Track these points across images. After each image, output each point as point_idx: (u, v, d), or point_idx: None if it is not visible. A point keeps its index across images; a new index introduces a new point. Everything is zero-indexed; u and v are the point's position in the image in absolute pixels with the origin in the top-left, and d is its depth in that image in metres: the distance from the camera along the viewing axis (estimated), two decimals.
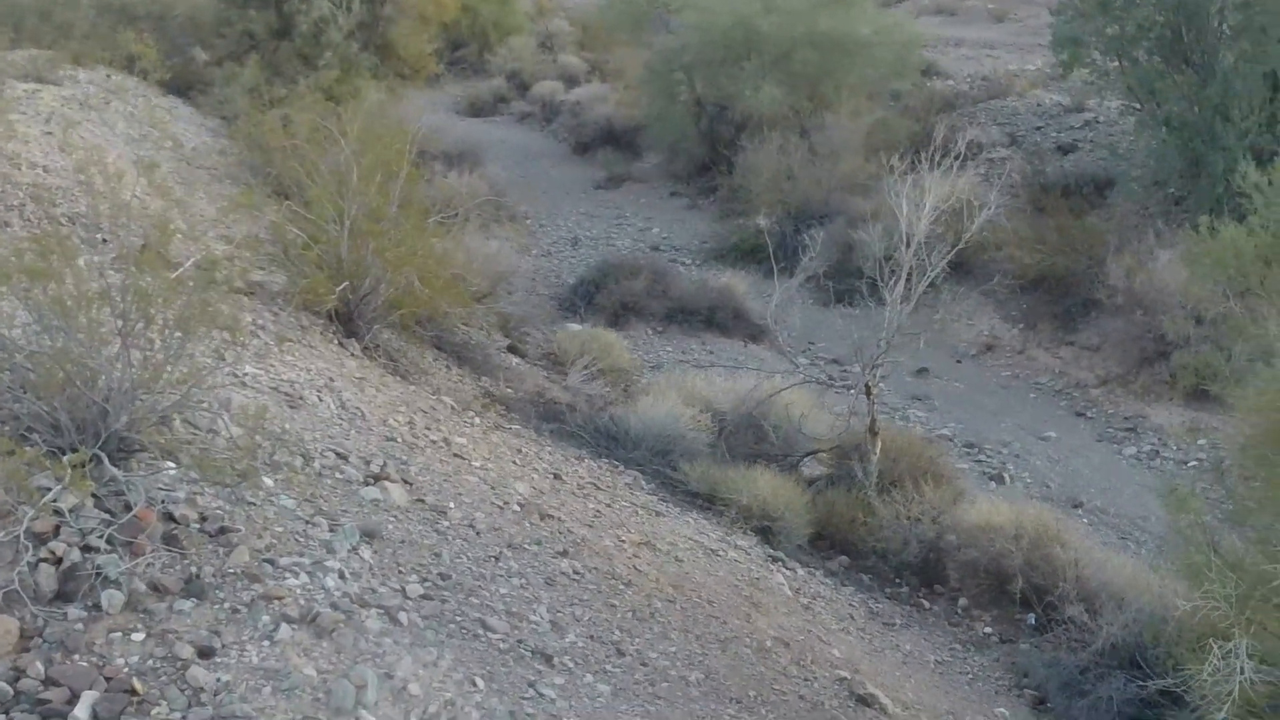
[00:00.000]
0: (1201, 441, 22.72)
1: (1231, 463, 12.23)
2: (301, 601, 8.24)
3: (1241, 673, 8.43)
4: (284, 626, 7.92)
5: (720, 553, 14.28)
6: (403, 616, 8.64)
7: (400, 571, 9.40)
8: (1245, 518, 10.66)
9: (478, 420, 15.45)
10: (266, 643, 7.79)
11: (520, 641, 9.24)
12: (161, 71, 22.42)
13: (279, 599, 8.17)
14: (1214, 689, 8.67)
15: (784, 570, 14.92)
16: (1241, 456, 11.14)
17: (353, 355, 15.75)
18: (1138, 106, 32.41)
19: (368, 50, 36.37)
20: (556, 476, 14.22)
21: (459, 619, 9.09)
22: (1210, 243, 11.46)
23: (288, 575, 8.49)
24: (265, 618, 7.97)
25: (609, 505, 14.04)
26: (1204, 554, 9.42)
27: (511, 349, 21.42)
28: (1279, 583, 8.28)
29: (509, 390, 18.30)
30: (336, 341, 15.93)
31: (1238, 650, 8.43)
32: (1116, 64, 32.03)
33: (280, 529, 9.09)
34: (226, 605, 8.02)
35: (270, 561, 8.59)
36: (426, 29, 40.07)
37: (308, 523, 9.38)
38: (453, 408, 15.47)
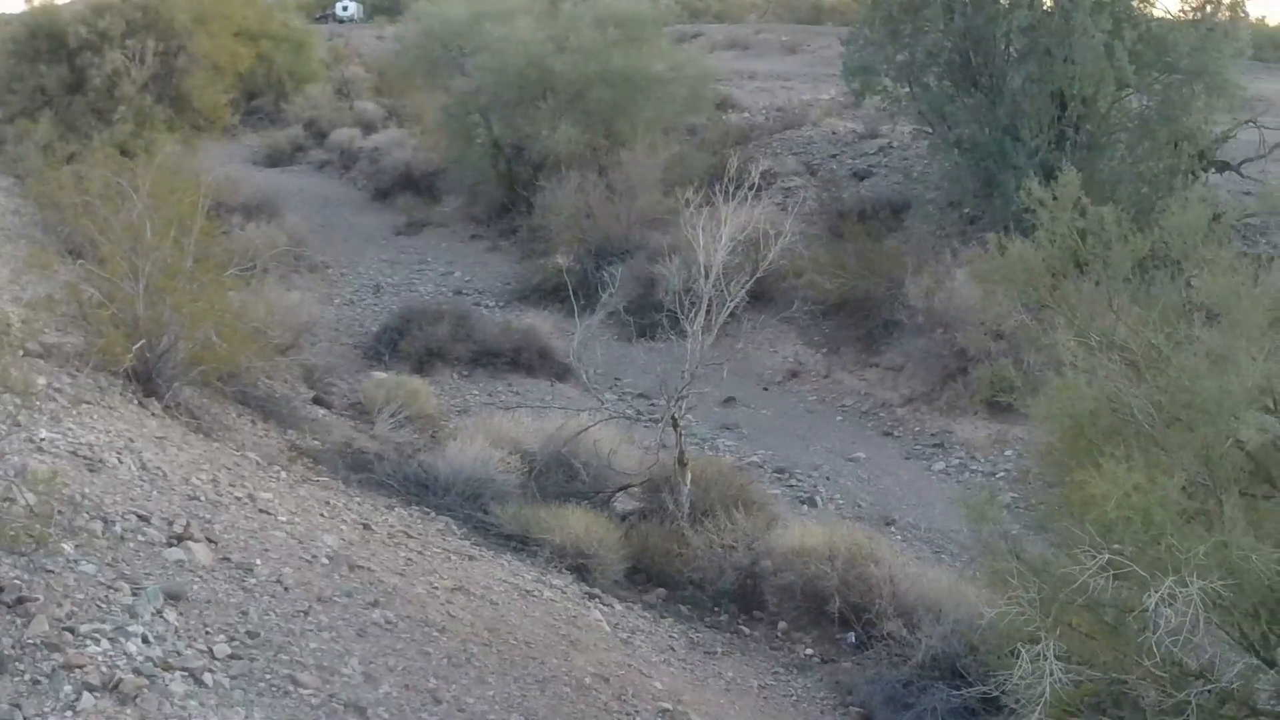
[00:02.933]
0: (1008, 453, 23.14)
1: (1033, 471, 12.45)
2: (104, 669, 8.07)
3: (1050, 674, 8.56)
4: (86, 695, 7.75)
5: (536, 593, 14.23)
6: (208, 678, 8.50)
7: (207, 632, 9.24)
8: (1048, 523, 10.85)
9: (284, 474, 15.27)
10: (69, 713, 7.62)
11: (332, 696, 9.13)
12: None
13: (80, 667, 7.99)
14: (1026, 692, 8.80)
15: (601, 606, 14.89)
16: (1041, 464, 11.35)
17: (153, 415, 15.49)
18: (929, 130, 33.09)
19: (162, 103, 36.00)
20: (366, 527, 14.08)
21: (269, 677, 8.96)
22: (999, 259, 11.66)
23: (89, 643, 8.32)
24: (67, 688, 7.79)
25: (421, 553, 13.93)
26: (1007, 561, 9.56)
27: (317, 400, 21.23)
28: (1081, 583, 8.42)
29: (316, 442, 18.12)
30: (136, 401, 15.66)
31: (1045, 652, 8.55)
32: (907, 90, 32.71)
33: (81, 596, 8.91)
34: (27, 677, 7.83)
35: (71, 629, 8.41)
36: (221, 79, 39.79)
37: (109, 588, 9.20)
38: (258, 463, 15.27)
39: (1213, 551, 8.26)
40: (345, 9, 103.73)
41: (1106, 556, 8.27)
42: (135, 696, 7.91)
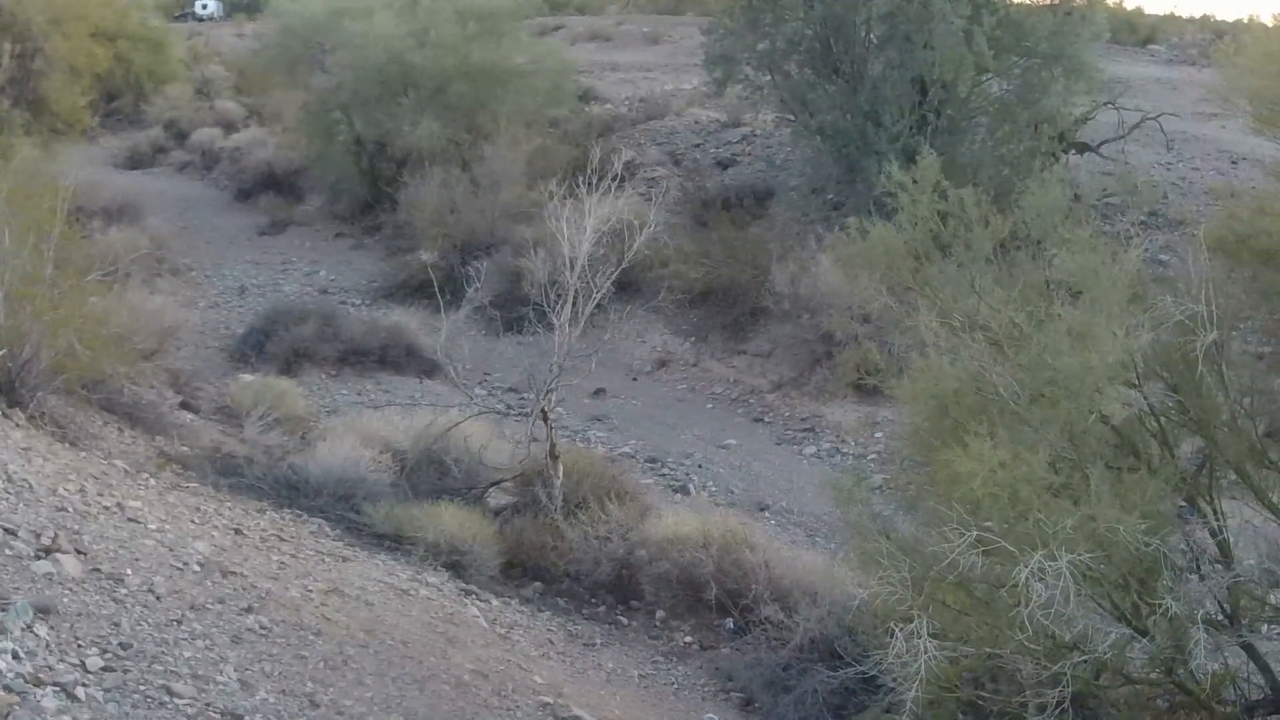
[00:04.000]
0: (878, 435, 23.37)
1: (900, 451, 12.59)
2: None
3: (925, 651, 8.65)
4: None
5: (412, 592, 14.17)
6: (80, 691, 8.35)
7: (79, 645, 9.10)
8: (916, 503, 10.97)
9: (153, 481, 15.08)
10: None
11: (208, 704, 9.02)
12: None
13: None
14: (902, 670, 8.89)
15: (478, 602, 14.86)
16: (909, 445, 11.47)
17: (17, 425, 15.23)
18: (792, 118, 33.31)
19: (19, 106, 35.42)
20: (238, 532, 13.94)
21: (143, 688, 8.83)
22: (861, 243, 11.77)
23: None
24: None
25: (294, 556, 13.82)
26: (877, 541, 9.66)
27: (185, 405, 20.99)
28: (950, 560, 8.52)
29: (184, 448, 17.92)
30: (0, 413, 15.40)
31: (919, 630, 8.64)
32: (769, 78, 32.90)
33: None
34: None
35: None
36: (79, 81, 39.14)
37: None
38: (126, 471, 15.06)
39: (1080, 525, 8.39)
40: (205, 7, 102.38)
41: (975, 533, 8.38)
42: (6, 714, 7.77)
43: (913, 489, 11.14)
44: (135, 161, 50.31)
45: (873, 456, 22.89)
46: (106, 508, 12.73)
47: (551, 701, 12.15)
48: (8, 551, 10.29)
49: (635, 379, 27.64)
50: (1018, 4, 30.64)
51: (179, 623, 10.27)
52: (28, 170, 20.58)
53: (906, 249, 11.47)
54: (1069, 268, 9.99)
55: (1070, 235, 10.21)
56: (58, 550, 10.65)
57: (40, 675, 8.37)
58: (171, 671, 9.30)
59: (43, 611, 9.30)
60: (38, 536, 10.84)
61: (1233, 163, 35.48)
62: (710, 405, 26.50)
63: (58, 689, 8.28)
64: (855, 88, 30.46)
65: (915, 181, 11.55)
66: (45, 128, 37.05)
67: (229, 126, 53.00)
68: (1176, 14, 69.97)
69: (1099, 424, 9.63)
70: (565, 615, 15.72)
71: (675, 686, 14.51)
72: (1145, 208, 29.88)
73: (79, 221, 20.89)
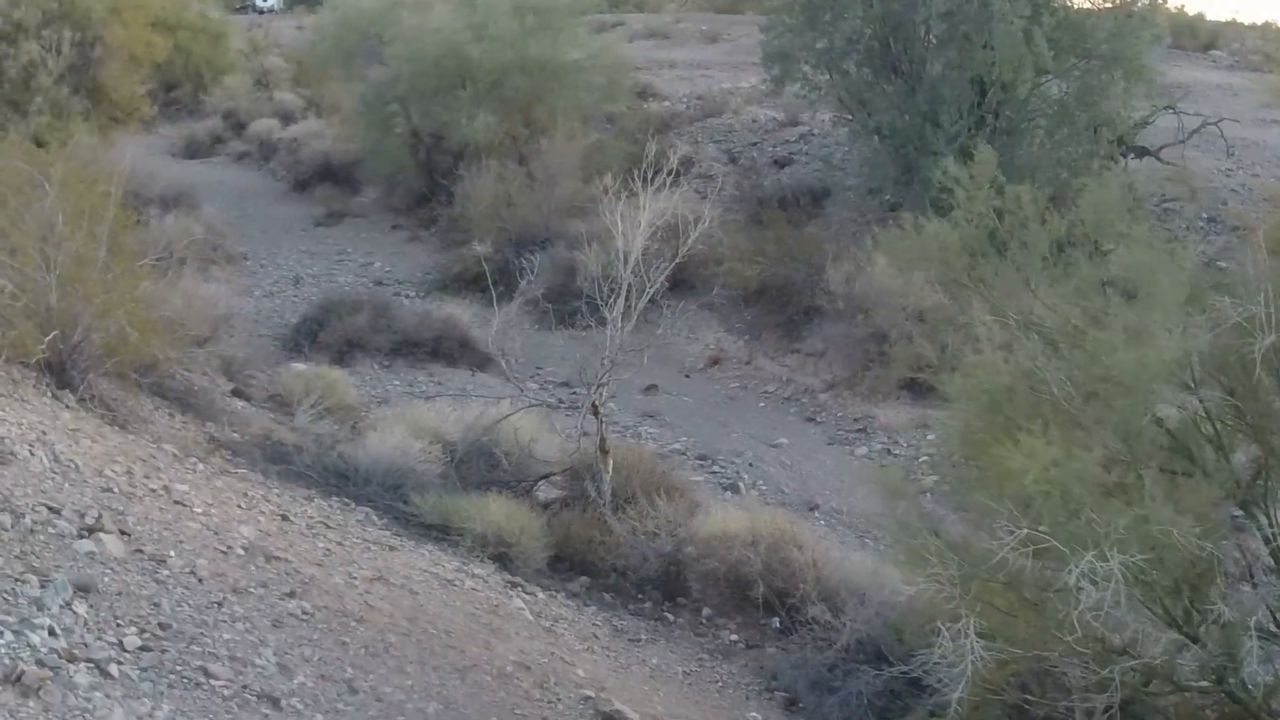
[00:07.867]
0: (930, 436, 23.19)
1: (952, 449, 12.46)
2: (6, 661, 7.89)
3: (972, 651, 8.55)
4: None
5: (457, 582, 14.13)
6: (114, 669, 8.33)
7: (117, 624, 9.08)
8: (966, 500, 10.85)
9: (201, 466, 15.05)
10: None
11: (245, 686, 8.99)
12: None
13: None
14: (948, 670, 8.79)
15: (524, 595, 14.81)
16: (960, 442, 11.36)
17: (67, 407, 15.23)
18: (849, 117, 33.15)
19: (79, 94, 35.49)
20: (284, 518, 13.92)
21: (180, 668, 8.81)
22: (915, 238, 11.67)
23: None
24: None
25: (340, 543, 13.79)
26: (924, 538, 9.55)
27: (236, 392, 20.99)
28: (1000, 559, 8.42)
29: (235, 434, 17.91)
30: (50, 394, 15.39)
31: (966, 630, 8.54)
32: (827, 77, 32.73)
33: None
34: None
35: None
36: (138, 70, 39.19)
37: (17, 580, 9.01)
38: (174, 455, 15.04)
39: (1133, 525, 8.26)
40: None
41: (1025, 531, 8.26)
42: (38, 689, 7.75)
43: (962, 486, 11.02)
44: (193, 151, 50.36)
45: (924, 458, 22.72)
46: (153, 490, 12.73)
47: (593, 695, 12.10)
48: (50, 530, 10.29)
49: (688, 376, 27.56)
50: (1078, 5, 30.45)
51: (220, 605, 10.25)
52: (83, 156, 20.62)
53: (961, 245, 11.36)
54: (1125, 264, 9.86)
55: (1127, 231, 10.09)
56: (101, 530, 10.65)
57: (75, 652, 8.36)
58: (210, 653, 9.29)
59: (82, 590, 9.29)
60: (81, 516, 10.84)
61: None
62: (762, 404, 26.39)
63: (91, 666, 8.26)
64: (914, 87, 30.32)
65: (972, 177, 11.44)
66: (104, 115, 37.13)
67: (287, 117, 52.98)
68: (1238, 20, 69.34)
69: (1153, 425, 9.51)
70: (611, 610, 15.67)
71: (719, 684, 14.43)
72: (1204, 212, 29.74)
73: (135, 208, 20.91)
